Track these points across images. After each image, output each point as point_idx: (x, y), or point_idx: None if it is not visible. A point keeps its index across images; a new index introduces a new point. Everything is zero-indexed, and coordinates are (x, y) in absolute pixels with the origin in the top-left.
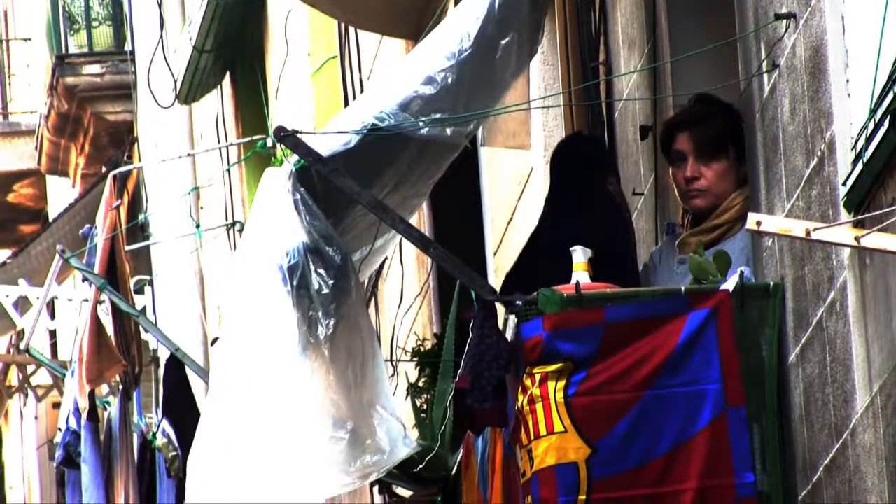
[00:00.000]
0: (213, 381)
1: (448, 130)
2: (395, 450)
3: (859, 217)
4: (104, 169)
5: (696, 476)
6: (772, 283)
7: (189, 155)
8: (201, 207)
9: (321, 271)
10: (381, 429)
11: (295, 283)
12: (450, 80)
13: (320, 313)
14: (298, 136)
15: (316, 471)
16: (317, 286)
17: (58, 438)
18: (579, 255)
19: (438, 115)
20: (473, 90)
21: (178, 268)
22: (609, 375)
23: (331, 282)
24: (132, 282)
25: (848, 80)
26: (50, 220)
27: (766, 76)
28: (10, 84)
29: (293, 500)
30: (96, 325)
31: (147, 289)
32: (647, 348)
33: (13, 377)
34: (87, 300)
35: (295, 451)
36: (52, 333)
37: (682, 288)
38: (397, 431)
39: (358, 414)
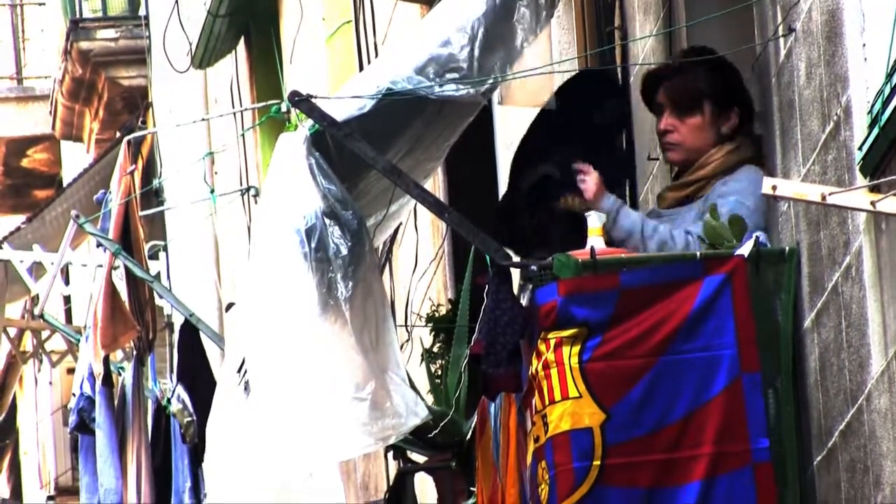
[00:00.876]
0: (230, 345)
1: (464, 92)
2: (410, 416)
3: (875, 182)
4: (118, 134)
5: (710, 441)
6: (787, 248)
7: (203, 120)
8: (216, 172)
9: (338, 234)
10: (396, 394)
11: (313, 245)
12: (465, 42)
13: (339, 276)
14: (313, 100)
15: (338, 431)
16: (335, 249)
17: (72, 404)
18: (594, 220)
19: (454, 77)
20: (490, 51)
21: (192, 233)
22: (624, 341)
23: (348, 244)
24: (146, 247)
25: (864, 45)
26: (64, 185)
27: (781, 40)
28: (24, 49)
29: (315, 461)
30: (111, 290)
31: (161, 254)
32: (662, 314)
33: (28, 343)
34: (101, 266)
35: (317, 413)
36: (67, 299)
37: (698, 253)
38: (411, 398)
39: (378, 376)
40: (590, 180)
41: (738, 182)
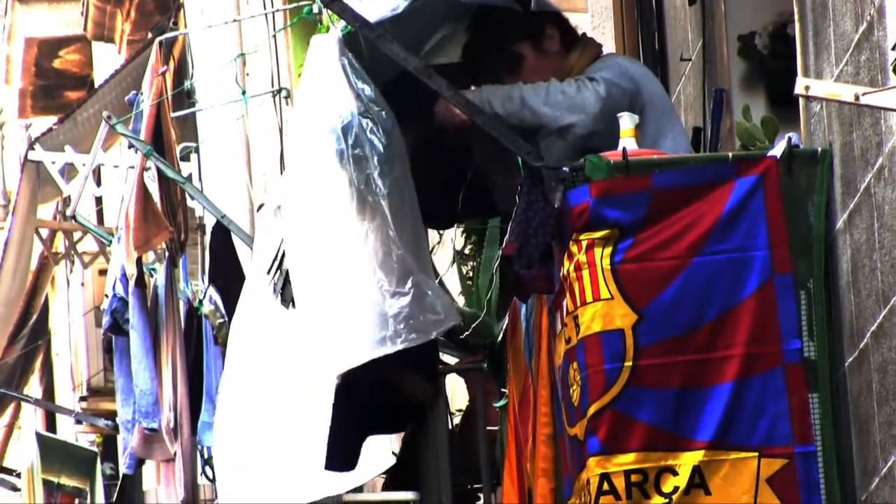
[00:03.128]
0: (258, 245)
1: None
2: (450, 315)
3: None
4: (150, 35)
5: (742, 342)
6: (820, 150)
7: (235, 21)
8: (247, 74)
9: (374, 132)
10: (433, 292)
11: (350, 142)
12: None
13: (376, 173)
14: (345, 1)
15: (379, 326)
16: (371, 145)
17: (105, 305)
18: (626, 122)
19: None
20: None
21: (224, 135)
22: (656, 242)
23: (384, 142)
24: (178, 148)
25: None
26: (96, 86)
27: None
28: None
29: (354, 356)
30: (143, 191)
31: (193, 156)
32: (694, 215)
33: (60, 244)
34: (133, 167)
35: (357, 307)
36: (99, 200)
37: (730, 154)
38: (447, 300)
39: (416, 273)
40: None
41: (606, 69)
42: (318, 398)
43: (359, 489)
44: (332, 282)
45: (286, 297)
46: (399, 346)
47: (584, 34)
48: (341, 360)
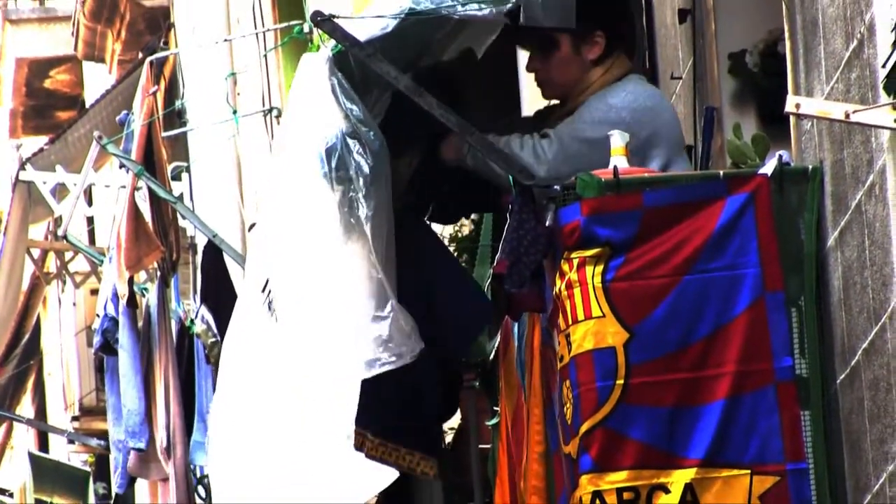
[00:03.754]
0: (251, 265)
1: (486, 11)
2: (417, 341)
3: None
4: (141, 55)
5: (734, 360)
6: (810, 167)
7: (226, 41)
8: (238, 93)
9: (360, 153)
10: (405, 317)
11: (333, 164)
12: None
13: (360, 195)
14: (335, 20)
15: (359, 349)
16: (356, 167)
17: (96, 325)
18: (617, 140)
19: None
20: None
21: (215, 154)
22: (647, 260)
23: (370, 163)
24: (169, 168)
25: None
26: (87, 106)
27: None
28: None
29: (337, 379)
30: (134, 211)
31: (184, 175)
32: (686, 233)
33: (51, 264)
34: (124, 186)
35: (337, 331)
36: (90, 220)
37: (721, 172)
38: (414, 323)
39: (393, 295)
40: (444, 148)
41: (612, 95)
42: (310, 405)
43: None
44: (315, 304)
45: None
46: (378, 370)
47: (630, 47)
48: (325, 384)
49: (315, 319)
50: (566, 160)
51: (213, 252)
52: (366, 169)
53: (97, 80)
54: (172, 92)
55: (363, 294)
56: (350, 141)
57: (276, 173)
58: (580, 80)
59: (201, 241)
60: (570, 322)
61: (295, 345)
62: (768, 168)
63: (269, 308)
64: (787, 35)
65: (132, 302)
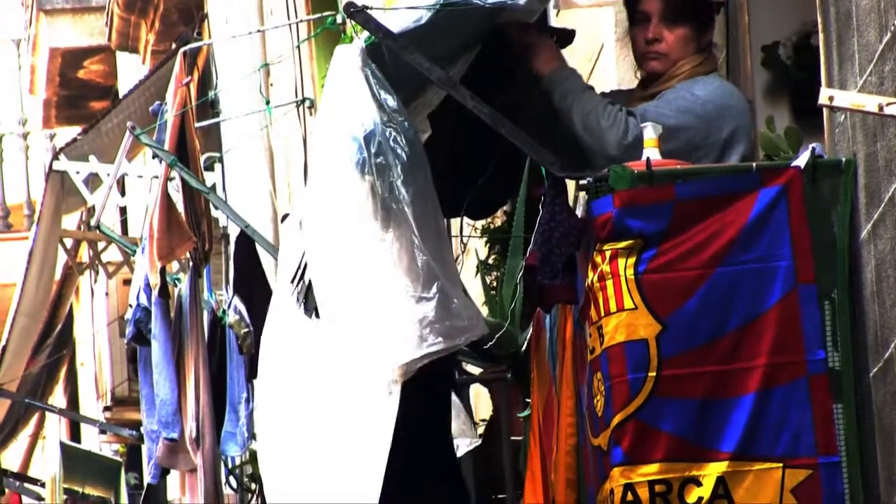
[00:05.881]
0: (283, 256)
1: (521, 0)
2: (477, 323)
3: None
4: (174, 45)
5: (766, 353)
6: (844, 160)
7: (259, 31)
8: (271, 84)
9: (398, 141)
10: (459, 300)
11: (373, 150)
12: None
13: (399, 181)
14: (369, 12)
15: (402, 331)
16: (394, 154)
17: (128, 315)
18: (650, 132)
19: None
20: None
21: (247, 145)
22: (679, 252)
23: (406, 151)
24: (202, 158)
25: None
26: (120, 96)
27: None
28: None
29: (381, 365)
30: (166, 201)
31: (217, 165)
32: (718, 225)
33: (84, 254)
34: (157, 177)
35: (383, 314)
36: (123, 210)
37: (754, 165)
38: (474, 309)
39: (442, 278)
40: (536, 60)
41: (700, 87)
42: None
43: None
44: (357, 289)
45: (309, 306)
46: (425, 351)
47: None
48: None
49: (358, 307)
50: (640, 144)
51: (246, 242)
52: (403, 157)
53: (130, 70)
54: (205, 82)
55: (408, 277)
56: (387, 130)
57: (314, 165)
58: (679, 64)
59: (233, 232)
60: (602, 314)
61: (337, 334)
62: (801, 161)
63: (298, 300)
64: (820, 27)
65: (164, 292)
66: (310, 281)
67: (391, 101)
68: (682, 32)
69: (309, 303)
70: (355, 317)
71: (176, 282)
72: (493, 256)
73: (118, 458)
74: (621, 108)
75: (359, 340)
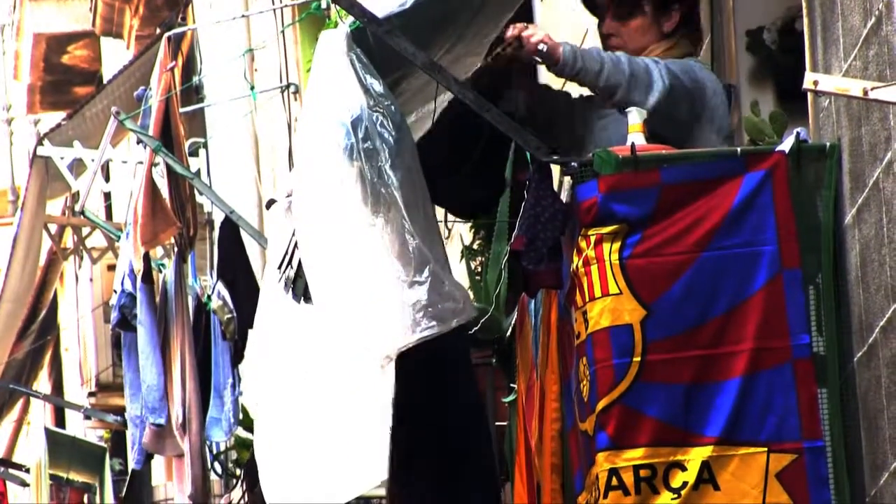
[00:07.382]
0: (272, 243)
1: None
2: (468, 305)
3: None
4: (158, 30)
5: (751, 337)
6: (828, 144)
7: (243, 16)
8: (256, 69)
9: (385, 125)
10: (449, 282)
11: (360, 135)
12: None
13: (388, 165)
14: None
15: (396, 315)
16: (381, 138)
17: (113, 300)
18: (634, 117)
19: None
20: None
21: (232, 130)
22: (664, 237)
23: (393, 135)
24: (187, 144)
25: None
26: (104, 81)
27: None
28: None
29: (375, 348)
30: (151, 187)
31: (201, 151)
32: (703, 210)
33: (68, 239)
34: (141, 162)
35: (374, 299)
36: (107, 196)
37: (738, 149)
38: (464, 291)
39: (434, 261)
40: (536, 30)
41: (673, 65)
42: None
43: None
44: (349, 275)
45: (297, 291)
46: (419, 336)
47: (695, 27)
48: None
49: (350, 293)
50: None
51: (230, 228)
52: (391, 141)
53: (115, 55)
54: (190, 68)
55: (400, 262)
56: (373, 114)
57: (301, 151)
58: (646, 51)
59: (218, 217)
60: (587, 299)
61: (330, 320)
62: (786, 145)
63: (287, 286)
64: (804, 12)
65: (148, 278)
66: (298, 267)
67: (377, 86)
68: (636, 24)
69: (297, 289)
70: (348, 303)
71: (161, 267)
72: (477, 242)
73: (103, 444)
74: (656, 61)
75: (352, 326)
